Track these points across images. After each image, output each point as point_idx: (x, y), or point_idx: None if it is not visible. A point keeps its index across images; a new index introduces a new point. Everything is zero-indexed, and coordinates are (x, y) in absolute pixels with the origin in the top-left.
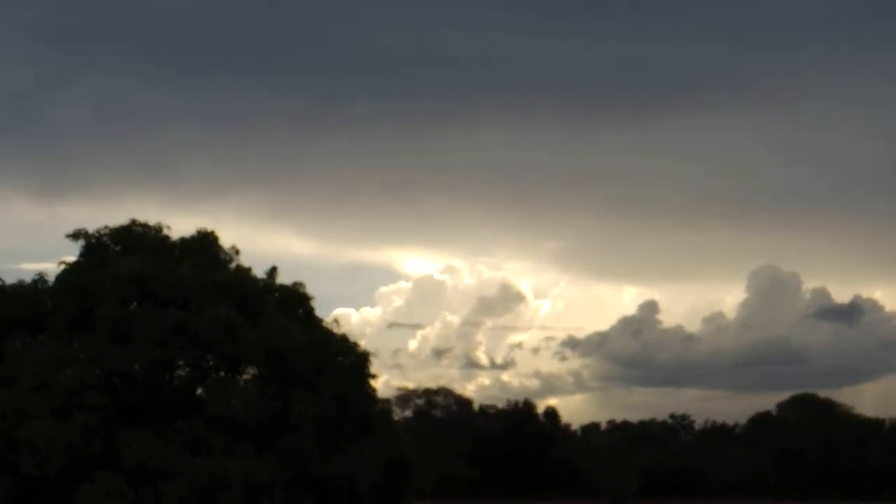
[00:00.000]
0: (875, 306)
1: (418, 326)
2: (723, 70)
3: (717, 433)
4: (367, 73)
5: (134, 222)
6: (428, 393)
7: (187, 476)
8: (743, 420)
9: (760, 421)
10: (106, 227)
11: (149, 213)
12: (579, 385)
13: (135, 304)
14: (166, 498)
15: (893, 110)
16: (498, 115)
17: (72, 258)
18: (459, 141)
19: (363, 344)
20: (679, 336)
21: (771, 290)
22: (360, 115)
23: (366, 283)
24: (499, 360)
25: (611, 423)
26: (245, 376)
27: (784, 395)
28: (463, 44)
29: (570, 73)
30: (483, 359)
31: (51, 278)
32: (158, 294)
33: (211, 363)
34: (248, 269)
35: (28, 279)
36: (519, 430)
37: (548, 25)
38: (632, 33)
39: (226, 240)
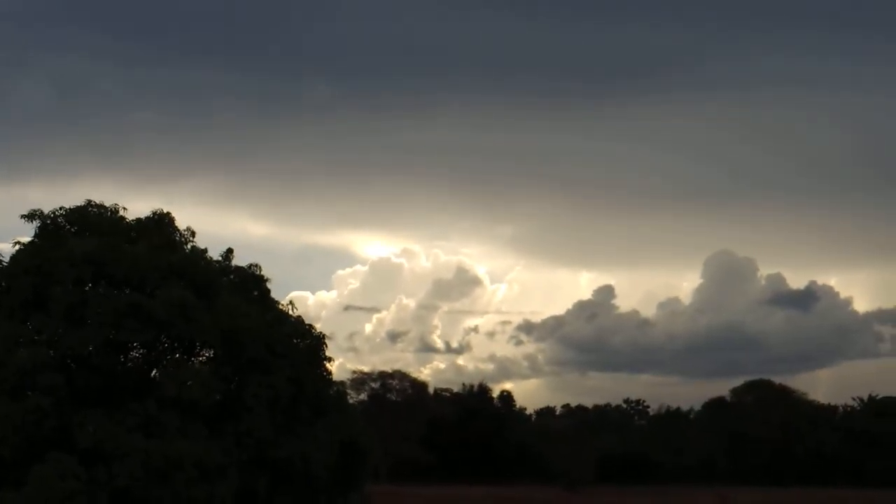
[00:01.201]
0: (830, 292)
1: (374, 310)
2: (681, 54)
3: (672, 418)
4: (325, 58)
5: (89, 203)
6: (383, 376)
7: (140, 457)
8: (698, 405)
9: (715, 406)
10: (61, 208)
11: (104, 194)
12: (534, 369)
13: (89, 285)
14: (119, 478)
15: (851, 97)
16: (456, 99)
17: (27, 238)
18: (417, 125)
19: (319, 327)
20: (634, 321)
21: (726, 275)
22: (318, 99)
23: (322, 266)
24: (454, 344)
25: (566, 407)
26: (200, 358)
27: (739, 381)
28: (420, 28)
29: (528, 58)
30: (438, 342)
31: (5, 258)
32: (113, 275)
33: (166, 345)
34: (204, 251)
35: None
36: (474, 413)
37: (506, 9)
38: (591, 17)
39: (182, 221)
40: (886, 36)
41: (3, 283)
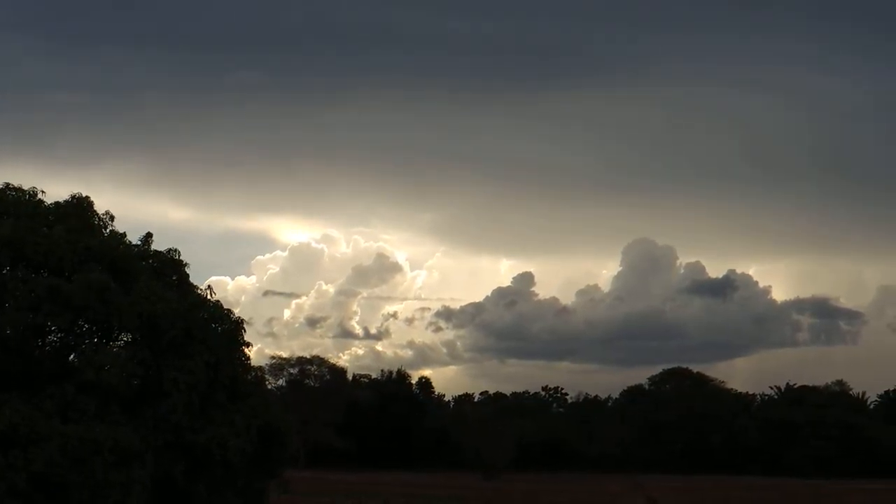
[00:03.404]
0: (749, 281)
1: (294, 295)
2: (605, 44)
3: (590, 406)
4: (250, 43)
5: (8, 186)
6: (301, 362)
7: (57, 441)
8: (616, 393)
9: (632, 394)
10: None
11: (24, 177)
12: (453, 356)
13: (7, 268)
14: (36, 463)
15: (771, 93)
16: (380, 86)
17: None
18: (339, 111)
19: (238, 312)
20: (553, 308)
21: (645, 263)
22: (242, 84)
23: (242, 251)
24: (373, 330)
25: (484, 394)
26: (118, 342)
27: (657, 369)
28: (347, 16)
29: (453, 47)
30: (357, 328)
31: None
32: (31, 258)
33: (84, 329)
34: (123, 235)
35: None
36: (392, 399)
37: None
38: (518, 9)
39: (101, 206)
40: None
41: None
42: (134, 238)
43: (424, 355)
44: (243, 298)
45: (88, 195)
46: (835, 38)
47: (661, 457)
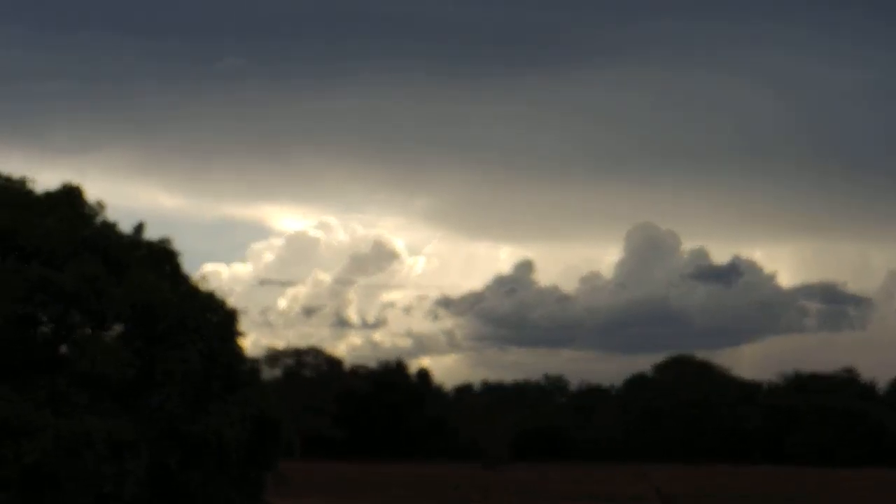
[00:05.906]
0: (754, 267)
1: (290, 284)
2: (605, 21)
3: (592, 394)
4: (241, 28)
5: None
6: (298, 352)
7: (50, 433)
8: (618, 381)
9: (636, 382)
10: None
11: (14, 166)
12: (452, 345)
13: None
14: (28, 455)
15: (782, 63)
16: (373, 70)
17: None
18: (333, 97)
19: (233, 301)
20: (555, 296)
21: (648, 249)
22: (233, 70)
23: (237, 238)
24: (370, 319)
25: (484, 383)
26: (111, 332)
27: (661, 357)
28: (337, 0)
29: (446, 30)
30: (354, 317)
31: None
32: (23, 248)
33: (76, 319)
34: (115, 225)
35: None
36: (390, 390)
37: None
38: None
39: (92, 194)
40: None
41: None
42: (126, 226)
43: (423, 344)
44: (238, 287)
45: (79, 184)
46: (834, 24)
47: (663, 445)
